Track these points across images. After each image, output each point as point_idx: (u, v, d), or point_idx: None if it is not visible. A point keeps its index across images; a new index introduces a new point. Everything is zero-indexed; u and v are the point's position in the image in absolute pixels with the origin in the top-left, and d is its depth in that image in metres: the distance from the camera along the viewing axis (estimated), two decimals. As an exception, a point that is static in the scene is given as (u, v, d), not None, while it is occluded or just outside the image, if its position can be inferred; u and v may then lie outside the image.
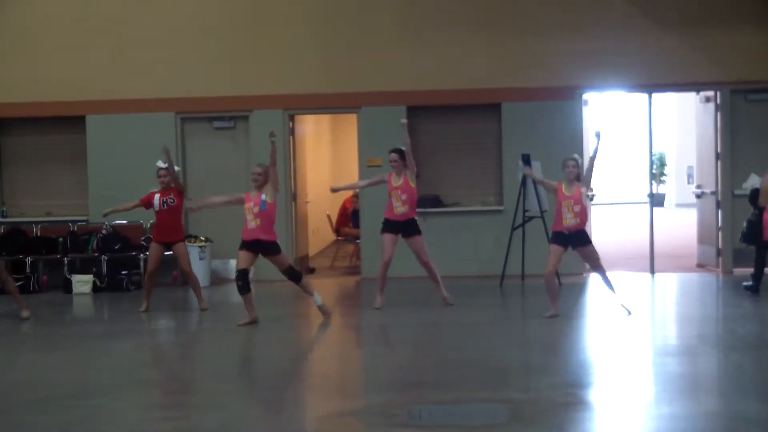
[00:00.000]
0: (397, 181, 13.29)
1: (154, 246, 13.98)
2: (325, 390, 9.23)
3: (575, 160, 12.42)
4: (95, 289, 16.34)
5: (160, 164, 13.90)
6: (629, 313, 12.39)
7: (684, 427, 7.42)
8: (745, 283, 14.41)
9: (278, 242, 12.55)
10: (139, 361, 10.86)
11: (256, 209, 12.23)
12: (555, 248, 12.36)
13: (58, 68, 17.31)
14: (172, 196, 13.86)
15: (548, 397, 8.37)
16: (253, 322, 12.32)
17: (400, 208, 13.26)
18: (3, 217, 17.52)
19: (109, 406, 8.73)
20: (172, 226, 13.90)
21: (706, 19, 16.79)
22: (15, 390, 9.30)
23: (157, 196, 13.88)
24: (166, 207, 13.84)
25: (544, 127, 16.84)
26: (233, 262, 16.65)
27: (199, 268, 16.46)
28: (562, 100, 16.95)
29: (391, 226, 13.35)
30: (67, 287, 16.33)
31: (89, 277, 16.30)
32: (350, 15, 17.24)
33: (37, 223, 17.35)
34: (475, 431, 7.43)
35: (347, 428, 7.77)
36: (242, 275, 12.21)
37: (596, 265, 12.53)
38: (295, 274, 12.73)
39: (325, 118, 23.91)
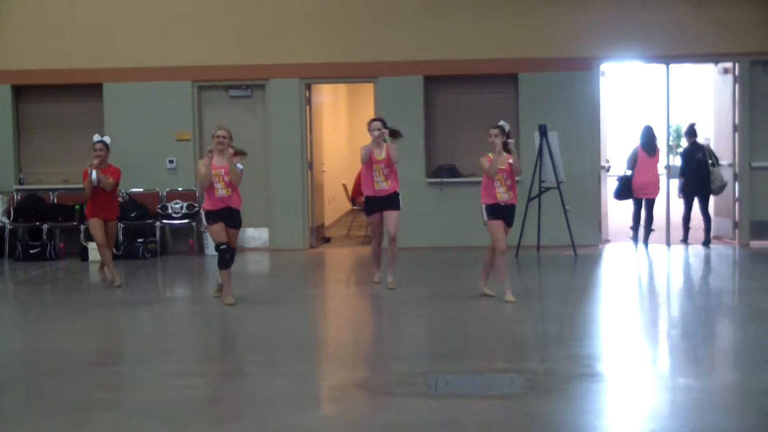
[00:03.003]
0: (380, 154, 12.57)
1: (93, 222, 13.37)
2: (342, 360, 9.27)
3: (500, 128, 11.67)
4: (98, 248, 16.40)
5: (97, 137, 13.39)
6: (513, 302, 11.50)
7: (699, 398, 7.44)
8: None
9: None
10: (158, 329, 10.92)
11: (227, 177, 11.48)
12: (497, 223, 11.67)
13: (76, 36, 17.29)
14: (108, 175, 13.18)
15: (565, 368, 8.39)
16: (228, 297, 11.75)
17: (382, 183, 12.59)
18: (20, 184, 17.56)
19: (130, 373, 8.81)
20: (106, 204, 13.38)
21: (724, -10, 16.70)
22: (36, 357, 9.36)
23: (93, 172, 13.14)
24: (100, 184, 13.18)
25: (560, 97, 16.78)
26: (248, 232, 16.77)
27: (206, 238, 16.47)
28: (579, 71, 16.88)
29: (374, 204, 12.73)
30: (84, 255, 16.38)
31: (105, 245, 16.36)
32: (367, -16, 17.19)
33: (54, 190, 17.39)
34: (491, 401, 7.46)
35: (365, 397, 7.80)
36: (229, 248, 11.59)
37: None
38: (231, 259, 11.70)
39: (341, 88, 23.87)
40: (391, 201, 12.67)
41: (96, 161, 13.10)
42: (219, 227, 11.56)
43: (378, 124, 12.66)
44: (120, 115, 17.09)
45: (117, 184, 13.44)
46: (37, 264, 16.05)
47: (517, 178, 11.86)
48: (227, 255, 11.55)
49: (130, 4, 17.30)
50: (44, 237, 16.75)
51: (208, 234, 16.68)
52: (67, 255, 16.77)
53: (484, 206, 11.73)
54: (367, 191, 12.78)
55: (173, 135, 17.28)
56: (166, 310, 12.21)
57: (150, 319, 11.47)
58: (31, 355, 9.54)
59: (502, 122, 11.77)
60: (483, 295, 11.77)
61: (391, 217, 12.65)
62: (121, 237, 16.40)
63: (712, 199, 17.44)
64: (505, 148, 11.62)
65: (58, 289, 14.46)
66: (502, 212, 11.65)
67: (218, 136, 11.62)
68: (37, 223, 16.84)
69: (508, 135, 11.73)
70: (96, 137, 13.39)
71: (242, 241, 17.24)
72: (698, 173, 16.89)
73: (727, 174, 17.06)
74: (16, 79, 17.50)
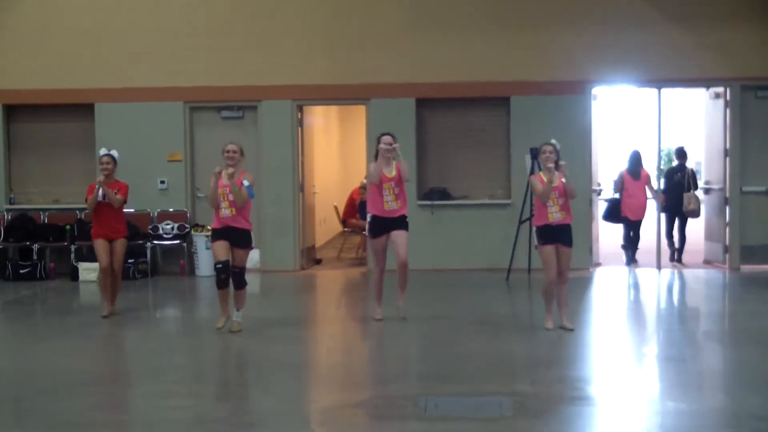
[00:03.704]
0: (390, 172, 11.67)
1: (99, 243, 12.54)
2: (332, 381, 9.25)
3: (553, 146, 11.14)
4: (100, 274, 16.35)
5: (104, 151, 12.69)
6: (571, 330, 11.00)
7: (689, 423, 7.44)
8: None
9: (252, 234, 11.47)
10: (147, 349, 10.88)
11: (231, 196, 11.07)
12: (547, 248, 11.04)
13: (68, 56, 17.29)
14: (116, 190, 12.48)
15: (555, 391, 8.39)
16: (227, 319, 11.34)
17: (392, 203, 11.62)
18: (11, 204, 17.53)
19: (119, 393, 8.79)
20: (112, 221, 12.59)
21: (716, 15, 16.72)
22: (26, 378, 9.33)
23: (101, 188, 12.43)
24: (106, 199, 12.44)
25: (552, 121, 16.79)
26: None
27: (205, 258, 16.49)
28: (571, 95, 16.92)
29: (381, 224, 11.75)
30: (74, 275, 16.35)
31: (96, 265, 16.23)
32: (360, 6, 17.19)
33: (44, 210, 17.37)
34: (481, 424, 7.45)
35: (354, 419, 7.78)
36: (225, 267, 11.11)
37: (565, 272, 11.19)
38: (243, 279, 11.30)
39: (333, 110, 23.90)
40: (399, 222, 11.72)
41: (102, 176, 12.40)
42: (218, 246, 11.13)
43: (389, 138, 11.72)
44: (111, 135, 17.05)
45: (125, 201, 12.67)
46: (27, 284, 16.01)
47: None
48: (223, 275, 11.10)
49: (122, 25, 17.30)
50: (34, 257, 16.71)
51: (198, 255, 16.73)
52: (58, 275, 16.72)
53: (535, 228, 11.22)
54: (374, 210, 11.77)
55: (165, 155, 17.28)
56: (156, 331, 12.17)
57: (140, 339, 11.43)
58: (21, 374, 9.52)
59: (553, 140, 11.28)
60: (547, 329, 11.09)
61: (400, 237, 11.68)
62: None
63: (704, 222, 17.66)
64: (557, 167, 11.08)
65: (48, 309, 14.42)
66: (554, 234, 10.97)
67: (228, 151, 11.27)
68: (28, 243, 16.80)
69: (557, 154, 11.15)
70: (103, 150, 12.71)
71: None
72: (675, 194, 17.64)
73: (718, 198, 17.14)
74: (7, 99, 17.50)
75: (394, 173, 11.63)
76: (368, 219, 11.89)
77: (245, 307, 11.41)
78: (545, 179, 10.98)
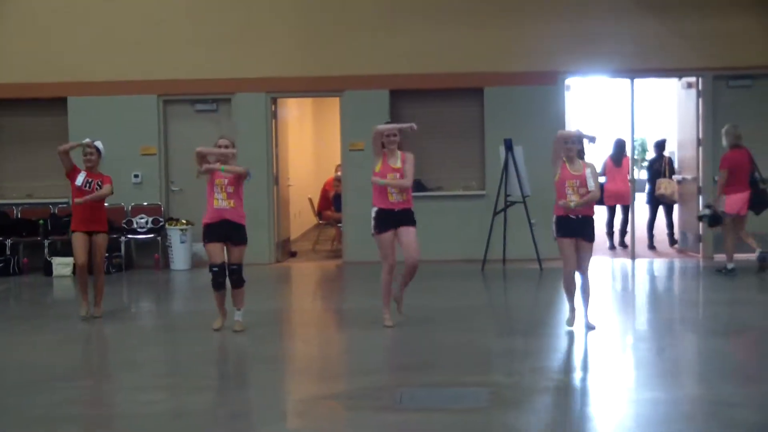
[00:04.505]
0: (395, 162, 10.99)
1: (77, 237, 11.93)
2: (309, 374, 9.27)
3: (576, 134, 10.57)
4: (76, 271, 16.29)
5: (88, 141, 12.12)
6: (593, 328, 10.57)
7: (665, 411, 7.48)
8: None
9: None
10: (123, 343, 10.85)
11: (231, 188, 10.77)
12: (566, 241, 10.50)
13: (40, 49, 17.20)
14: (99, 181, 11.90)
15: (530, 381, 8.42)
16: (224, 320, 11.09)
17: (396, 195, 10.85)
18: (-17, 198, 17.45)
19: (94, 388, 8.75)
20: (90, 213, 11.91)
21: (687, 5, 16.78)
22: (-2, 372, 9.30)
23: (82, 174, 11.89)
24: (89, 188, 11.80)
25: (526, 111, 16.85)
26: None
27: (180, 252, 16.48)
28: (544, 85, 16.96)
29: (386, 219, 10.87)
30: (48, 270, 16.27)
31: (70, 260, 16.12)
32: (334, -2, 17.23)
33: (17, 205, 17.29)
34: (457, 414, 7.47)
35: (331, 411, 7.79)
36: (222, 270, 10.80)
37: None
38: (242, 277, 10.96)
39: (307, 102, 23.85)
40: (406, 217, 10.90)
41: (87, 165, 11.88)
42: (213, 248, 10.75)
43: (392, 128, 11.11)
44: (85, 129, 16.90)
45: (111, 192, 12.04)
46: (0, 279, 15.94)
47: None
48: (220, 278, 10.77)
49: (94, 18, 17.22)
50: (7, 252, 16.62)
51: (173, 249, 16.67)
52: (31, 270, 16.64)
53: (554, 219, 10.58)
54: (379, 203, 10.95)
55: (138, 149, 17.22)
56: (130, 325, 12.10)
57: (114, 333, 11.38)
58: (-6, 370, 9.47)
59: (579, 129, 10.88)
60: (570, 328, 10.63)
61: (409, 235, 10.83)
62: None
63: (678, 212, 17.94)
64: (580, 156, 10.57)
65: (21, 304, 14.35)
66: (573, 227, 10.41)
67: (220, 146, 10.94)
68: (1, 238, 16.71)
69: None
70: (87, 139, 12.15)
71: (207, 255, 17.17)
72: (654, 183, 18.31)
73: (691, 187, 17.24)
74: (-21, 93, 17.41)
75: (399, 164, 10.94)
76: (373, 214, 10.98)
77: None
78: (569, 169, 10.41)
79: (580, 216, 10.38)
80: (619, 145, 18.46)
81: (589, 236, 10.47)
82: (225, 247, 10.88)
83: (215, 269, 10.79)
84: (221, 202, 10.74)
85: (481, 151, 17.20)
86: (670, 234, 18.55)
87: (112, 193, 12.15)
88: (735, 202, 14.59)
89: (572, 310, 10.72)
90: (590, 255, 10.60)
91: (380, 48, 17.06)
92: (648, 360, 9.46)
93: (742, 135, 14.86)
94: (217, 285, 10.86)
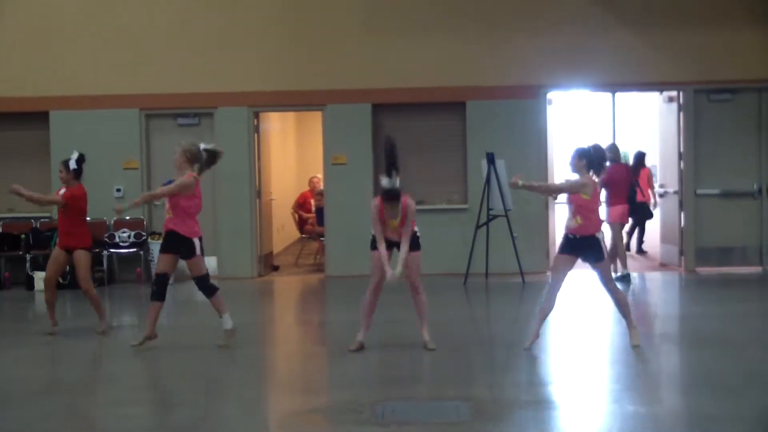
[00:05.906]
0: (395, 216, 10.28)
1: (53, 252, 12.12)
2: (290, 387, 9.25)
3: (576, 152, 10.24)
4: (57, 286, 15.99)
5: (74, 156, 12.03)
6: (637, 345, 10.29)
7: (648, 426, 7.48)
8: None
9: (195, 242, 10.68)
10: (104, 358, 10.81)
11: (168, 203, 10.76)
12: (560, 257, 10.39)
13: (22, 64, 17.17)
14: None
15: (511, 396, 8.42)
16: (152, 338, 10.82)
17: (395, 230, 10.38)
18: (-35, 213, 17.37)
19: (73, 403, 8.70)
20: (67, 228, 11.88)
21: (668, 20, 16.86)
22: (-23, 387, 9.24)
23: (63, 190, 11.92)
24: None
25: (508, 125, 16.88)
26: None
27: (153, 267, 16.39)
28: (526, 99, 17.00)
29: (387, 241, 10.39)
30: (29, 284, 16.21)
31: (52, 275, 16.16)
32: (315, 13, 17.19)
33: (-1, 219, 17.25)
34: (439, 428, 7.46)
35: (312, 425, 7.78)
36: (161, 279, 10.70)
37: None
38: (209, 286, 10.79)
39: (290, 116, 23.84)
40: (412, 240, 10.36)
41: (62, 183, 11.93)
42: (160, 257, 10.76)
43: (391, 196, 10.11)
44: (67, 143, 16.84)
45: (61, 203, 11.77)
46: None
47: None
48: (155, 286, 10.71)
49: (76, 32, 17.18)
50: (-11, 266, 16.58)
51: (155, 263, 16.56)
52: (13, 284, 16.58)
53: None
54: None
55: (121, 163, 17.19)
56: (110, 340, 12.05)
57: (94, 348, 11.34)
58: (-26, 385, 9.42)
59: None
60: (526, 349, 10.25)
61: (411, 260, 10.37)
62: (67, 266, 16.17)
63: (659, 225, 18.18)
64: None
65: (2, 319, 14.28)
66: (571, 245, 10.22)
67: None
68: (-18, 252, 16.66)
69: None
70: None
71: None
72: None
73: (673, 201, 17.31)
74: (-40, 107, 17.35)
75: (399, 217, 10.21)
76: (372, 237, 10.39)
77: (228, 310, 10.87)
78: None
79: (577, 236, 10.15)
80: (638, 157, 19.42)
81: (592, 257, 10.21)
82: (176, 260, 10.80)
83: (156, 277, 10.82)
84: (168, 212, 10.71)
85: (464, 164, 17.22)
86: (639, 239, 19.91)
87: (62, 204, 11.80)
88: (616, 212, 15.75)
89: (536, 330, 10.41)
90: (602, 272, 10.34)
91: (362, 62, 17.07)
92: (630, 373, 9.46)
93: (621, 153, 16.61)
94: (152, 294, 10.76)
